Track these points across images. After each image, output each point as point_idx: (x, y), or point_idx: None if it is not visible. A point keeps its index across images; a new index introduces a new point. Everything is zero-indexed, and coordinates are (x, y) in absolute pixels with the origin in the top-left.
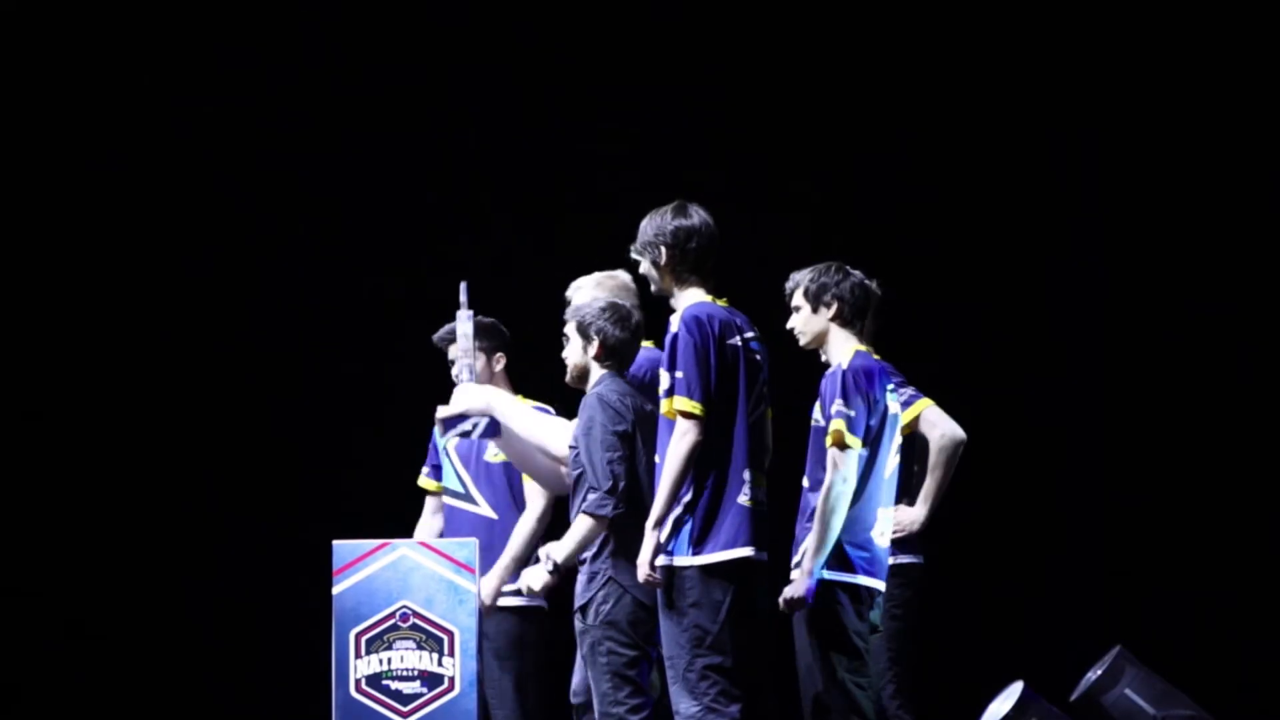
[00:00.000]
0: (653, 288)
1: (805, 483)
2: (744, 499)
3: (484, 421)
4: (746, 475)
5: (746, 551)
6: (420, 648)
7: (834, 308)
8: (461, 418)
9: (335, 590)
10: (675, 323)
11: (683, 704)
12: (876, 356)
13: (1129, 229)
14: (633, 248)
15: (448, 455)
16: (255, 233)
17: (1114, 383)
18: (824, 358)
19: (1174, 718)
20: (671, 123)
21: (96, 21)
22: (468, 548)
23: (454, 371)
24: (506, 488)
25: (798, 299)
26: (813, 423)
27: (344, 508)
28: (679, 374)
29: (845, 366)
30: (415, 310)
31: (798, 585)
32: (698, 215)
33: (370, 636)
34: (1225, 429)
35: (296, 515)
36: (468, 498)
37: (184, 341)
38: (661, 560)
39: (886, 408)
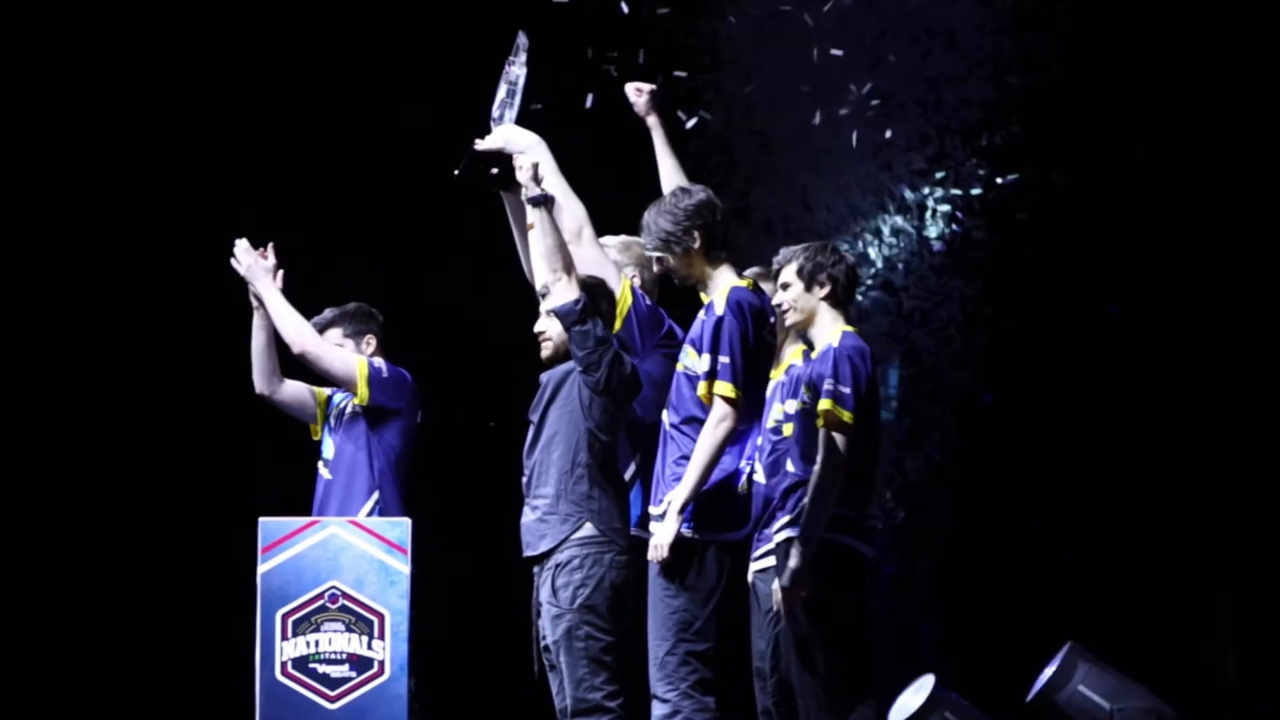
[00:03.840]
0: (676, 281)
1: (791, 466)
2: (743, 486)
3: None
4: (745, 465)
5: (743, 535)
6: (350, 630)
7: (828, 288)
8: (495, 156)
9: (261, 569)
10: (720, 305)
11: (660, 687)
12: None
13: None
14: (649, 247)
15: (329, 425)
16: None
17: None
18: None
19: (1129, 711)
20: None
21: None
22: (400, 527)
23: (494, 112)
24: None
25: (789, 275)
26: (800, 405)
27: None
28: (724, 359)
29: (836, 346)
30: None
31: (797, 560)
32: (703, 190)
33: (297, 618)
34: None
35: (217, 492)
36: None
37: (109, 321)
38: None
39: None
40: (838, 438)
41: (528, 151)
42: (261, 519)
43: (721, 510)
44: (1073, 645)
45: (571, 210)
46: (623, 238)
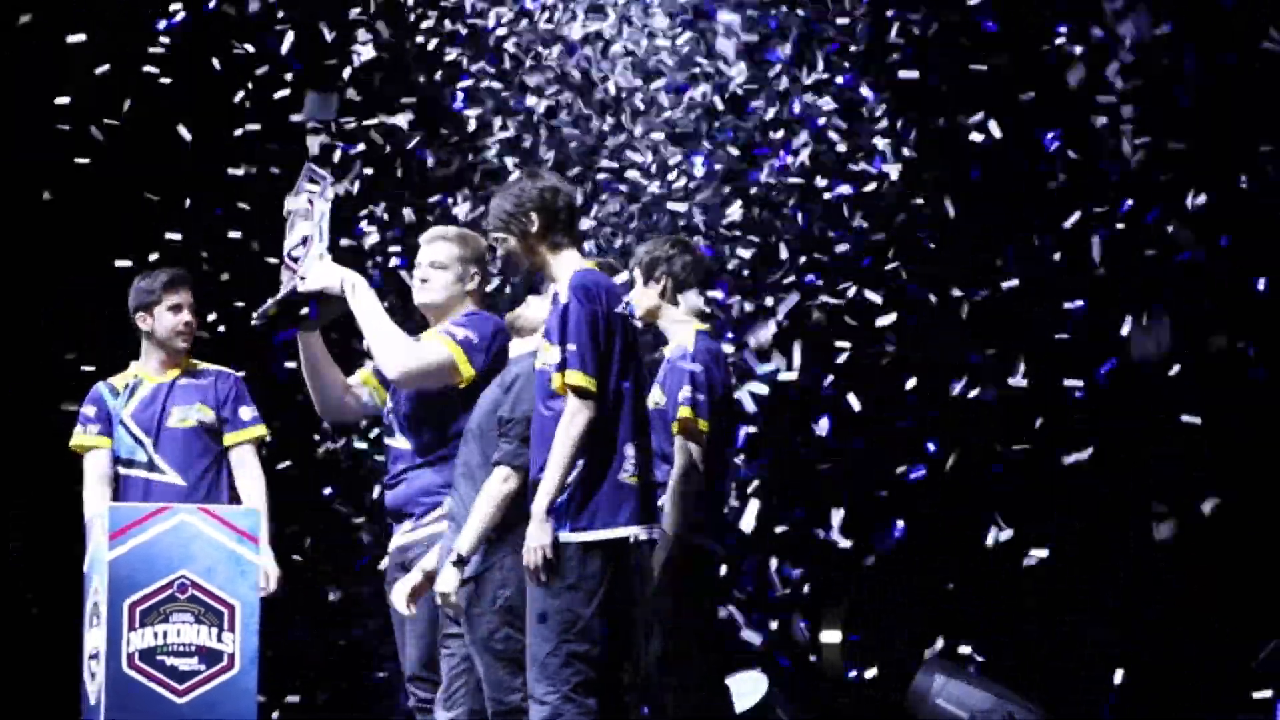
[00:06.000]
0: (521, 267)
1: None
2: (627, 476)
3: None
4: (629, 451)
5: (630, 530)
6: (199, 621)
7: (663, 282)
8: (315, 297)
9: (110, 556)
10: (564, 292)
11: (539, 689)
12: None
13: None
14: (491, 230)
15: (124, 423)
16: None
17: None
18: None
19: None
20: None
21: None
22: (252, 516)
23: (288, 248)
24: (191, 454)
25: (636, 272)
26: (652, 405)
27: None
28: (571, 347)
29: (691, 350)
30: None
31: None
32: (553, 176)
33: (146, 607)
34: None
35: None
36: (151, 466)
37: None
38: None
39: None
40: (694, 447)
41: (352, 289)
42: (111, 504)
43: (593, 506)
44: (933, 658)
45: (405, 344)
46: (457, 229)
